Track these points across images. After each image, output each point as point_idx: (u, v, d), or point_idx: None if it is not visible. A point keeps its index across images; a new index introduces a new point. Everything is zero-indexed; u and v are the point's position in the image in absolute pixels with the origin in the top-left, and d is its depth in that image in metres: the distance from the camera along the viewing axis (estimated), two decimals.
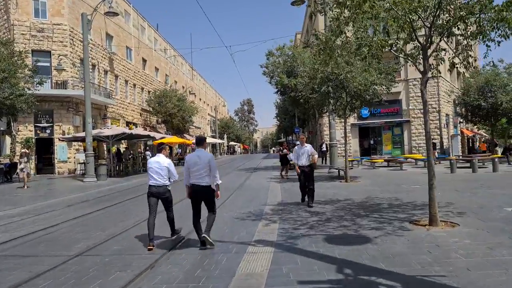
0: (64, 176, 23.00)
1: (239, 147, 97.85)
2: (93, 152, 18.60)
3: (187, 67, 57.06)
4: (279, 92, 21.23)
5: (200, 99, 64.75)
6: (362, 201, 9.39)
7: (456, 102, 28.04)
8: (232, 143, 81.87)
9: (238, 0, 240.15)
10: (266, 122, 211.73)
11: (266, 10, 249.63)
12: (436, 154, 26.57)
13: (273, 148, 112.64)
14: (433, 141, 28.44)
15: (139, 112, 36.14)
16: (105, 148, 28.59)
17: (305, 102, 19.01)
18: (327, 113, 19.13)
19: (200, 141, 5.78)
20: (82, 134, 21.91)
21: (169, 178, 6.04)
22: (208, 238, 5.49)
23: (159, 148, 6.22)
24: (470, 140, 43.20)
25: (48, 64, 23.60)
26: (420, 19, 5.95)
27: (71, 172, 24.02)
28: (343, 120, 27.25)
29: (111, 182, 17.78)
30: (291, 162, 15.46)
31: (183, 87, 50.27)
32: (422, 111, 31.99)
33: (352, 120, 32.70)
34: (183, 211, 7.94)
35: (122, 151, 29.37)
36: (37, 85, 18.46)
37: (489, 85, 24.22)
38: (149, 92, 38.29)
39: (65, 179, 20.47)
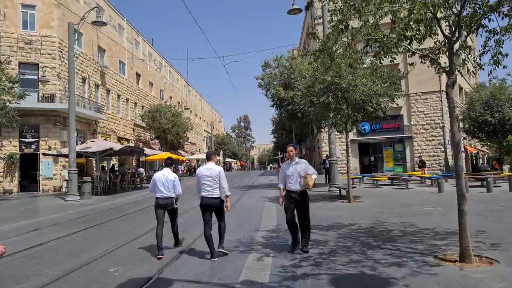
0: (49, 194, 21.64)
1: (236, 163, 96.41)
2: (76, 169, 17.32)
3: (183, 83, 56.33)
4: (275, 106, 20.14)
5: (196, 114, 63.82)
6: (370, 226, 8.14)
7: (461, 117, 27.03)
8: (228, 159, 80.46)
9: (234, 14, 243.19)
10: (263, 139, 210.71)
11: (262, 25, 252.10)
12: (426, 171, 25.33)
13: (270, 165, 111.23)
14: (421, 158, 27.07)
15: (132, 128, 35.02)
16: (94, 164, 27.36)
17: (303, 116, 17.93)
18: (326, 128, 18.03)
19: (209, 156, 6.10)
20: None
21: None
22: (223, 251, 5.89)
23: (167, 163, 6.71)
24: (474, 157, 42.10)
25: (35, 77, 22.58)
26: (446, 4, 4.85)
27: (57, 189, 22.67)
28: (342, 136, 25.88)
29: (95, 201, 16.47)
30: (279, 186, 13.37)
31: (178, 102, 49.34)
32: (424, 126, 31.06)
33: (352, 136, 31.62)
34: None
35: (116, 167, 28.15)
36: (19, 98, 17.31)
37: (495, 99, 23.19)
38: (142, 107, 37.30)
39: (47, 198, 19.10)
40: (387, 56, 5.71)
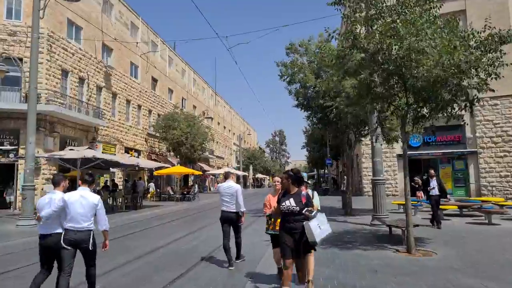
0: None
1: (269, 180, 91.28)
2: (33, 184, 13.33)
3: (210, 92, 52.73)
4: (301, 106, 15.14)
5: (224, 127, 60.04)
6: None
7: None
8: (260, 175, 75.58)
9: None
10: (299, 155, 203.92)
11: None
12: (423, 195, 18.97)
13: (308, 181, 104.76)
14: (415, 179, 20.31)
15: (144, 138, 31.31)
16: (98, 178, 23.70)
17: (338, 118, 12.87)
18: (369, 133, 12.84)
19: (227, 175, 6.90)
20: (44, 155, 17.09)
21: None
22: (233, 263, 6.66)
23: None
24: None
25: (19, 74, 19.30)
26: None
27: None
28: (387, 149, 20.05)
29: None
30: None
31: (203, 112, 45.59)
32: (493, 139, 24.58)
33: (398, 149, 25.84)
34: None
35: (120, 183, 24.51)
36: None
37: None
38: (158, 115, 33.66)
39: (6, 220, 15.26)
40: None
